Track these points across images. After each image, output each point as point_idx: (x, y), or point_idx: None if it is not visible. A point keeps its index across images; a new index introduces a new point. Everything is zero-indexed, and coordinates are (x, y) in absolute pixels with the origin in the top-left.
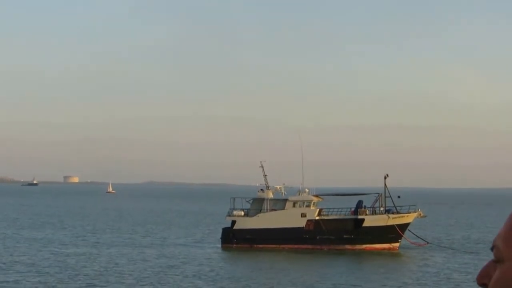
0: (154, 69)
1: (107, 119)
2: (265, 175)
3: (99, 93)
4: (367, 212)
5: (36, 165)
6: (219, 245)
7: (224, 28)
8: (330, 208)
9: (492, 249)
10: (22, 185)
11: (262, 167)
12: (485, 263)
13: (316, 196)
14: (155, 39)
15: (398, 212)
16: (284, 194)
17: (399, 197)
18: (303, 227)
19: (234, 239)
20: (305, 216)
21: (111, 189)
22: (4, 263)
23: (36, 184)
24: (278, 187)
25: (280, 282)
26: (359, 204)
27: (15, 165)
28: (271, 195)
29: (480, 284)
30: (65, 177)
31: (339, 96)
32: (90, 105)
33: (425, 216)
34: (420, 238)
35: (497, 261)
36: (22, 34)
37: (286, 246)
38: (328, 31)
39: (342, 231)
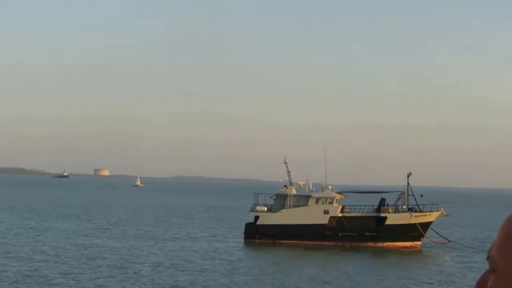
0: (178, 64)
1: (138, 113)
2: (289, 172)
3: (127, 87)
4: (390, 210)
5: (67, 158)
6: (242, 240)
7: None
8: (353, 205)
9: (487, 259)
10: (53, 177)
11: (286, 163)
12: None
13: (339, 193)
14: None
15: (420, 211)
16: (312, 189)
17: (422, 195)
18: (326, 224)
19: (257, 234)
20: (327, 212)
21: (139, 183)
22: (27, 253)
23: (66, 176)
24: (301, 183)
25: (300, 277)
26: (382, 202)
27: (47, 157)
28: (294, 191)
29: None
30: (96, 170)
31: (362, 95)
32: (118, 99)
33: (447, 215)
34: (442, 237)
35: (491, 270)
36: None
37: (308, 243)
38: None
39: (365, 229)
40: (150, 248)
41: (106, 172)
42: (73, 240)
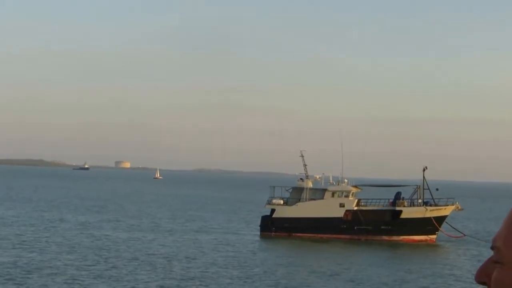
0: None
1: (160, 105)
2: (305, 165)
3: (154, 78)
4: (405, 203)
5: (89, 150)
6: (258, 233)
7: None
8: (368, 199)
9: (492, 248)
10: (74, 169)
11: (302, 156)
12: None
13: (355, 186)
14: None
15: (436, 205)
16: (332, 183)
17: (437, 189)
18: (341, 217)
19: (272, 227)
20: (343, 206)
21: (158, 175)
22: (41, 243)
23: (87, 169)
24: (317, 176)
25: (312, 270)
26: (398, 195)
27: (68, 149)
28: (310, 185)
29: (478, 282)
30: (117, 162)
31: (375, 89)
32: (142, 89)
33: (462, 209)
34: (457, 231)
35: (496, 261)
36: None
37: (324, 236)
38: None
39: (380, 222)
40: (164, 240)
41: (127, 165)
42: (88, 232)
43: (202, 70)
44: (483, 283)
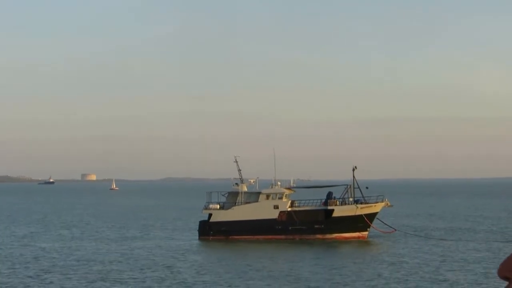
0: (161, 64)
1: (123, 115)
2: (239, 170)
3: (115, 89)
4: (337, 203)
5: (54, 164)
6: (197, 237)
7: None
8: (302, 200)
9: (505, 279)
10: (39, 183)
11: (236, 162)
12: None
13: (288, 188)
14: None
15: (366, 202)
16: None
17: (367, 188)
18: (276, 219)
19: (210, 231)
20: (277, 208)
21: (114, 186)
22: None
23: (52, 183)
24: (251, 180)
25: (249, 270)
26: (329, 195)
27: (34, 164)
28: (245, 189)
29: (501, 277)
30: (83, 175)
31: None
32: (103, 102)
33: (391, 206)
34: (388, 226)
35: None
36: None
37: (260, 237)
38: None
39: (313, 222)
40: (102, 248)
41: (93, 177)
42: (25, 244)
43: (169, 79)
44: (506, 278)
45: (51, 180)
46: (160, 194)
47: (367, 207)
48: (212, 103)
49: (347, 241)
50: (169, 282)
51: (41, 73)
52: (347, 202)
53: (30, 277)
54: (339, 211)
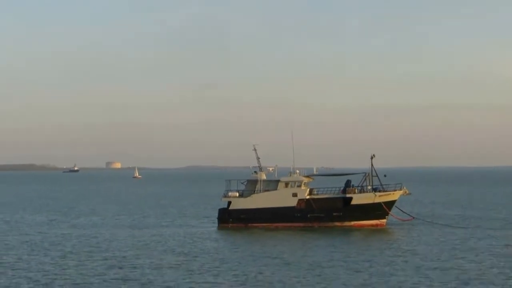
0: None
1: (148, 103)
2: (258, 158)
3: (135, 79)
4: (356, 191)
5: (80, 152)
6: (216, 225)
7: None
8: (320, 188)
9: None
10: (64, 172)
11: (255, 150)
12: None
13: (307, 176)
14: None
15: (384, 190)
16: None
17: (385, 176)
18: (295, 206)
19: (229, 218)
20: (296, 195)
21: (137, 174)
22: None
23: (77, 171)
24: (270, 168)
25: (267, 258)
26: (348, 183)
27: (59, 152)
28: (264, 177)
29: None
30: (108, 163)
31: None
32: (129, 89)
33: (410, 194)
34: (406, 214)
35: None
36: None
37: (279, 225)
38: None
39: (332, 209)
40: (120, 235)
41: (118, 165)
42: (44, 231)
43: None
44: None
45: (75, 168)
46: (182, 182)
47: (385, 195)
48: (231, 91)
49: (365, 228)
50: (186, 267)
51: (61, 60)
52: (365, 190)
53: (48, 263)
54: (358, 199)
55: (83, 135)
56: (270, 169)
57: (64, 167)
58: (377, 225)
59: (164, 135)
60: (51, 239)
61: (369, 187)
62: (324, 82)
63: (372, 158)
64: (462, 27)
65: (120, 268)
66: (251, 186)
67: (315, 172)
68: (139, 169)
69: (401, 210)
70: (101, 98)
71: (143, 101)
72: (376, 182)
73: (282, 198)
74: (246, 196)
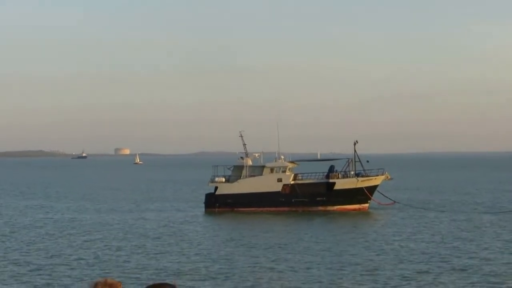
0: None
1: (160, 89)
2: (245, 144)
3: (143, 64)
4: (339, 176)
5: (88, 138)
6: (203, 209)
7: None
8: (305, 173)
9: None
10: (72, 158)
11: (242, 136)
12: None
13: (292, 162)
14: None
15: (367, 175)
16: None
17: (368, 161)
18: (280, 191)
19: (216, 203)
20: (281, 181)
21: (138, 161)
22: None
23: (85, 157)
24: (256, 154)
25: (258, 241)
26: (331, 168)
27: (67, 139)
28: (250, 162)
29: None
30: (116, 150)
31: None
32: (136, 75)
33: (392, 179)
34: (388, 198)
35: None
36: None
37: (264, 209)
38: None
39: (315, 194)
40: (107, 218)
41: (127, 151)
42: (31, 215)
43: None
44: None
45: (83, 155)
46: (182, 168)
47: (367, 180)
48: (236, 79)
49: (348, 212)
50: (169, 248)
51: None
52: (348, 175)
53: (30, 243)
54: (341, 184)
55: (92, 120)
56: (256, 155)
57: (73, 153)
58: (359, 209)
59: (172, 122)
60: (38, 223)
61: (352, 172)
62: None
63: (355, 144)
64: None
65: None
66: (237, 172)
67: (319, 157)
68: (147, 155)
69: (383, 195)
70: (111, 83)
71: (155, 86)
72: (358, 168)
73: (267, 183)
74: (232, 181)
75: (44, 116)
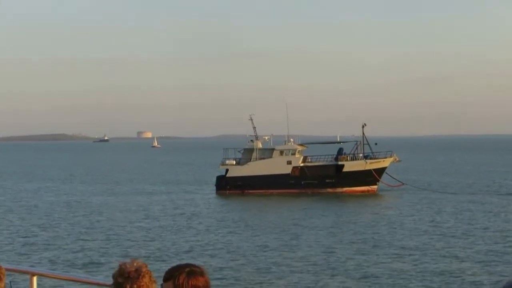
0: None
1: (179, 74)
2: (254, 127)
3: (161, 50)
4: (348, 158)
5: (111, 122)
6: (214, 192)
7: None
8: (314, 155)
9: None
10: (94, 141)
11: (252, 120)
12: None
13: (301, 144)
14: None
15: (375, 158)
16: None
17: (376, 144)
18: (289, 173)
19: (227, 185)
20: (290, 163)
21: (156, 144)
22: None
23: (107, 140)
24: (266, 137)
25: (264, 220)
26: (340, 151)
27: (91, 122)
28: (260, 145)
29: None
30: (139, 133)
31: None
32: (161, 59)
33: (400, 161)
34: (397, 180)
35: None
36: None
37: (274, 191)
38: None
39: (324, 176)
40: (116, 200)
41: (149, 134)
42: (43, 198)
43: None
44: None
45: (106, 138)
46: (201, 151)
47: (376, 162)
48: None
49: (356, 194)
50: (181, 229)
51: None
52: (357, 157)
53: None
54: (349, 166)
55: (115, 103)
56: (266, 138)
57: (96, 136)
58: (368, 191)
59: (195, 103)
60: (48, 205)
61: (361, 155)
62: None
63: (363, 126)
64: None
65: (112, 230)
66: (247, 155)
67: (338, 140)
68: (169, 138)
69: (392, 177)
70: (134, 68)
71: (176, 72)
72: (367, 150)
73: (277, 166)
74: (242, 164)
75: (69, 99)
